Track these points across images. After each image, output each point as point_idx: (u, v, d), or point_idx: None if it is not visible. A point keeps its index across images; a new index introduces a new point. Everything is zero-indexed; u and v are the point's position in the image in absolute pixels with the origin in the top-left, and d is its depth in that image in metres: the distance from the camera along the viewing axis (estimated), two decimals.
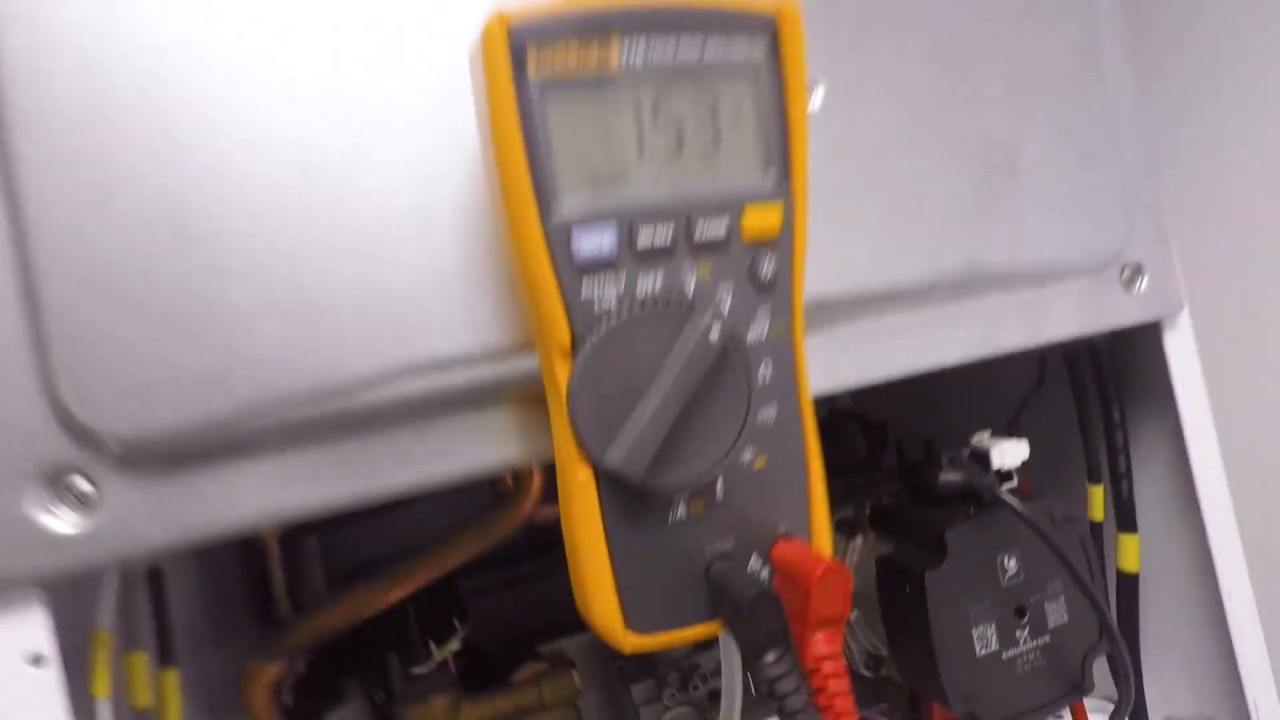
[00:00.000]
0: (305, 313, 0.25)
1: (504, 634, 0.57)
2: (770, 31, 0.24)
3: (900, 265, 0.34)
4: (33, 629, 0.25)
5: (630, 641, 0.25)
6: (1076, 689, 0.42)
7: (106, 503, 0.25)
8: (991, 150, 0.36)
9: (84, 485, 0.25)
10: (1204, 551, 0.45)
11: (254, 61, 0.25)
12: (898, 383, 0.51)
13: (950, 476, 0.42)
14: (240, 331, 0.25)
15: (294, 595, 0.51)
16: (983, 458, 0.43)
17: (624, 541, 0.25)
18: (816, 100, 0.32)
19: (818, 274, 0.32)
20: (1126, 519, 0.48)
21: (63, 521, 0.24)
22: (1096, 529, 0.49)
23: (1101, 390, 0.47)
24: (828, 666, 0.24)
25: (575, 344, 0.23)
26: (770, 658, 0.24)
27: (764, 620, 0.24)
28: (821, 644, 0.24)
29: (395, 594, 0.41)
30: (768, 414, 0.26)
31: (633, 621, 0.25)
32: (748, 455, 0.26)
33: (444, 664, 0.46)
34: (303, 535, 0.53)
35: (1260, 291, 0.40)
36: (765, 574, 0.26)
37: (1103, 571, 0.49)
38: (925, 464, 0.44)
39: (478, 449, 0.29)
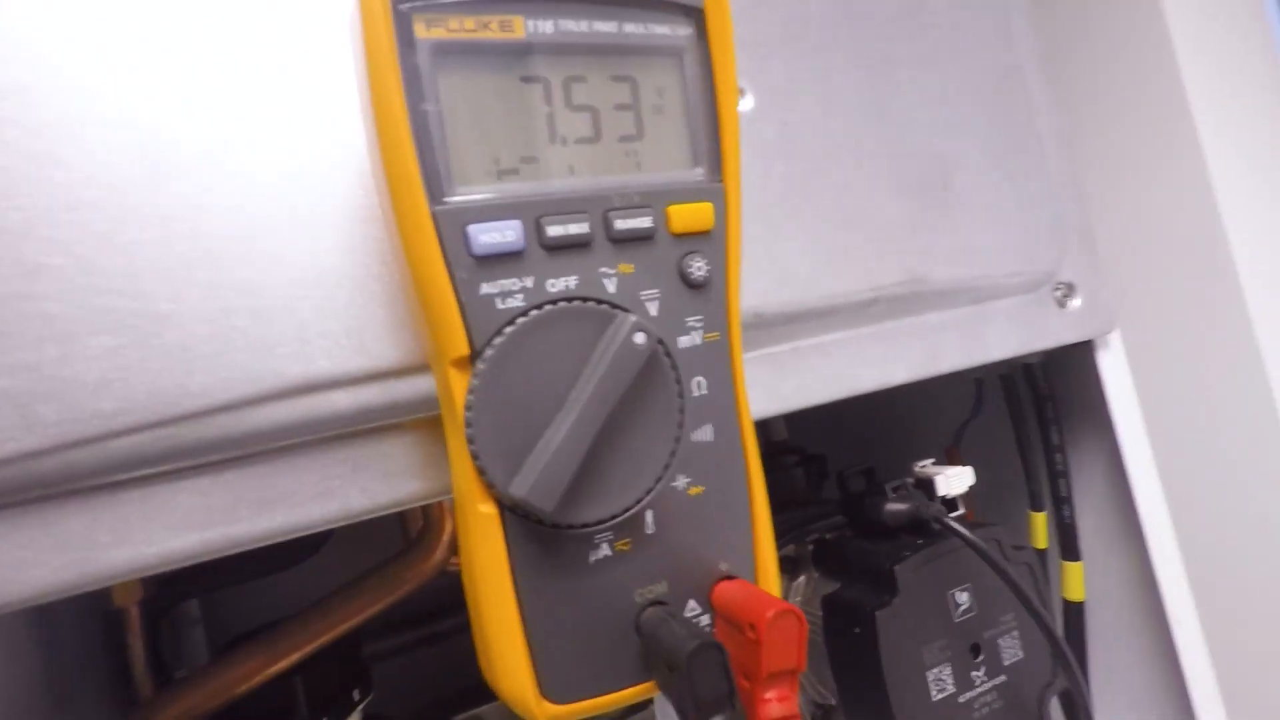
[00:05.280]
0: (143, 325, 0.21)
1: (418, 701, 0.51)
2: (697, 13, 0.22)
3: (839, 278, 0.32)
4: None
5: (545, 712, 0.21)
6: None
7: None
8: (926, 163, 0.34)
9: None
10: (1148, 576, 0.44)
11: (90, 34, 0.21)
12: (834, 415, 0.49)
13: (896, 506, 0.40)
14: (54, 348, 0.20)
15: (168, 669, 0.44)
16: (927, 486, 0.41)
17: (536, 588, 0.21)
18: (747, 104, 0.30)
19: (753, 286, 0.29)
20: (1070, 546, 0.46)
21: None
22: (1040, 557, 0.48)
23: (1039, 413, 0.46)
24: None
25: (474, 352, 0.20)
26: None
27: (706, 677, 0.20)
28: (776, 705, 0.21)
29: (277, 665, 0.36)
30: (703, 434, 0.23)
31: (548, 687, 0.21)
32: (681, 483, 0.22)
33: None
34: (178, 597, 0.46)
35: (1190, 310, 0.39)
36: (706, 621, 0.23)
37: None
38: (868, 495, 0.41)
39: (366, 486, 0.24)
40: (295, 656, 0.36)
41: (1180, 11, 0.38)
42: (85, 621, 0.41)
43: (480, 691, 0.48)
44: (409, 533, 0.42)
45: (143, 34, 0.22)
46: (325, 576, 0.41)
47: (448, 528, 0.40)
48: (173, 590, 0.43)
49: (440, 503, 0.40)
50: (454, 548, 0.41)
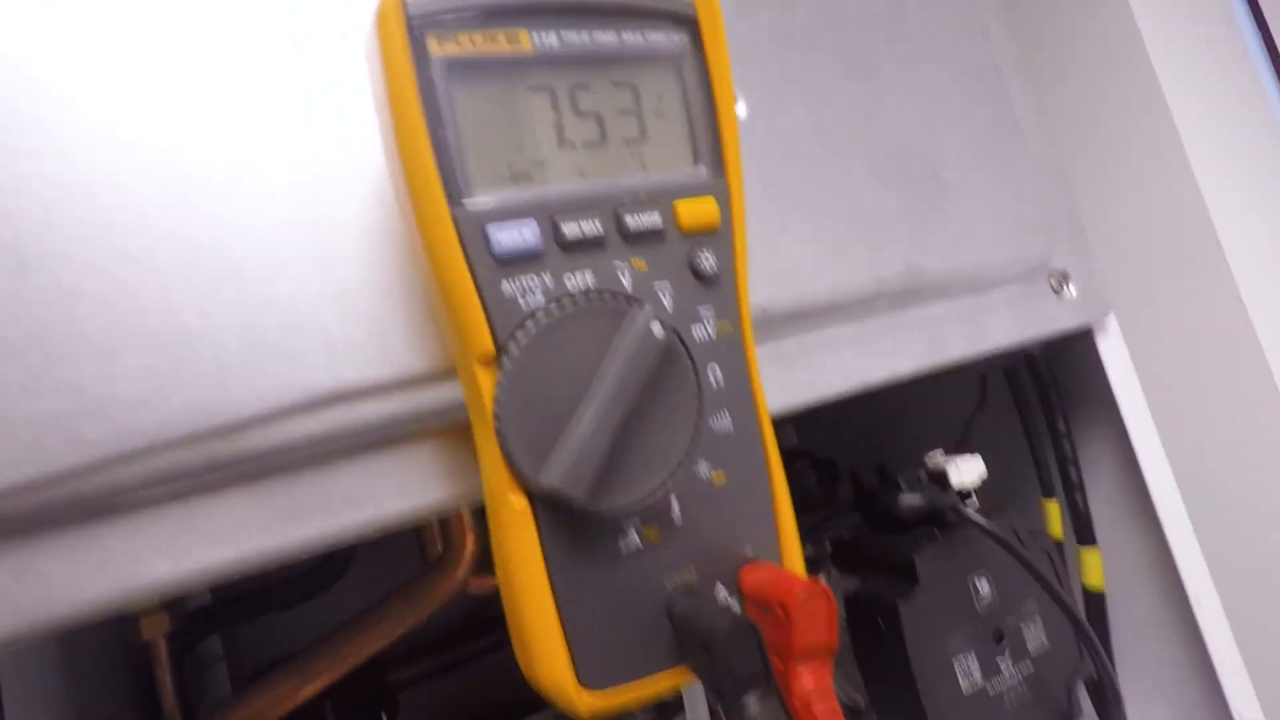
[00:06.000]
0: (177, 342, 0.22)
1: None
2: (690, 22, 0.23)
3: (841, 273, 0.33)
4: None
5: (585, 701, 0.21)
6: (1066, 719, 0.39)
7: None
8: (915, 160, 0.35)
9: None
10: (1166, 559, 0.44)
11: (113, 65, 0.22)
12: (844, 418, 0.50)
13: (912, 499, 0.40)
14: (94, 367, 0.21)
15: (192, 708, 0.44)
16: (940, 477, 0.41)
17: (570, 579, 0.21)
18: (740, 110, 0.31)
19: (758, 283, 0.30)
20: (1085, 532, 0.46)
21: None
22: (1057, 547, 0.48)
23: (1045, 402, 0.47)
24: (819, 706, 0.21)
25: (499, 349, 0.20)
26: (752, 700, 0.20)
27: (741, 655, 0.20)
28: (809, 678, 0.21)
29: (308, 689, 0.36)
30: (722, 423, 0.23)
31: (586, 675, 0.21)
32: (704, 470, 0.23)
33: None
34: (202, 634, 0.47)
35: (1182, 290, 0.40)
36: (735, 605, 0.23)
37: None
38: (882, 490, 0.42)
39: (396, 493, 0.25)
40: (325, 678, 0.36)
41: (1146, 1, 0.39)
42: (111, 656, 0.41)
43: (507, 712, 0.48)
44: (428, 559, 0.42)
45: (160, 60, 0.23)
46: (344, 613, 0.41)
47: (468, 547, 0.41)
48: (198, 624, 0.43)
49: (462, 522, 0.41)
50: (474, 566, 0.41)
